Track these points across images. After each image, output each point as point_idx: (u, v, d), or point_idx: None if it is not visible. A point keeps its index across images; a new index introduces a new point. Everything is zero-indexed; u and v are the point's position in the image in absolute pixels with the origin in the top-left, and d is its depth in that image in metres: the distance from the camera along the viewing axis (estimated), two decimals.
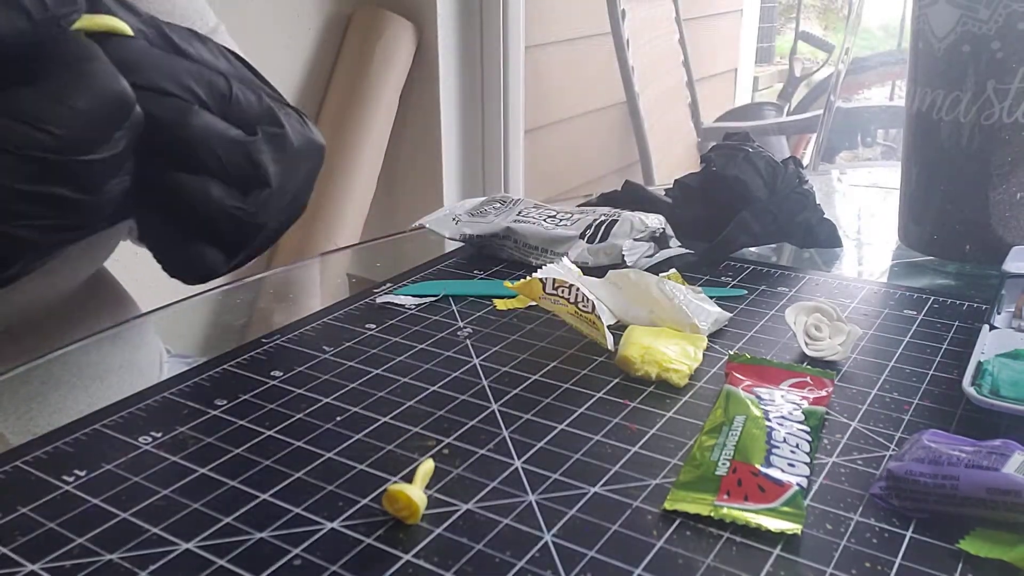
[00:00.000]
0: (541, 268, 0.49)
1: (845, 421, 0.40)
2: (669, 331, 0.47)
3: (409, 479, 0.36)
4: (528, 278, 0.47)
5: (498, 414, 0.41)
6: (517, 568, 0.31)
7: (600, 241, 0.57)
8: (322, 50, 1.68)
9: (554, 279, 0.47)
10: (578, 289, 0.46)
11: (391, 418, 0.41)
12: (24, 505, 0.35)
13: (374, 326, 0.51)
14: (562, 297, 0.47)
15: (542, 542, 0.32)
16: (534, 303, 0.53)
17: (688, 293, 0.50)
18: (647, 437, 0.39)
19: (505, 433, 0.40)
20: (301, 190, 0.46)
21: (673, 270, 0.55)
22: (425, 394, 0.43)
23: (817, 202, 0.63)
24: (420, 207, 1.70)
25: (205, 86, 0.41)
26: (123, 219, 0.42)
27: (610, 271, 0.51)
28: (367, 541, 0.33)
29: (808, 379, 0.43)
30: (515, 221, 0.61)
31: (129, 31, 0.39)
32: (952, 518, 0.33)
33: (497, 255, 0.62)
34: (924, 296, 0.54)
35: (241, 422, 0.41)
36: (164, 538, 0.33)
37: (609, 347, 0.46)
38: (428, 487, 0.36)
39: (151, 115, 0.39)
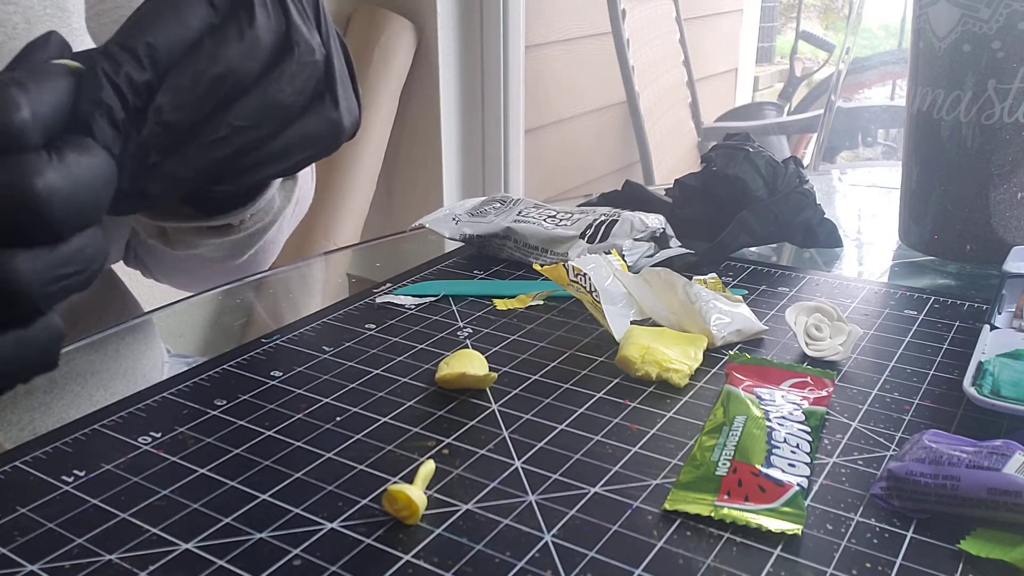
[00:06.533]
0: (580, 258, 0.50)
1: (845, 421, 0.40)
2: (669, 331, 0.47)
3: (409, 479, 0.36)
4: (557, 263, 0.49)
5: (498, 414, 0.41)
6: (517, 568, 0.31)
7: (600, 241, 0.57)
8: None
9: (574, 266, 0.48)
10: (590, 279, 0.47)
11: (391, 418, 0.41)
12: (23, 505, 0.35)
13: (374, 326, 0.51)
14: (581, 286, 0.48)
15: (542, 542, 0.32)
16: (534, 303, 0.53)
17: (717, 299, 0.49)
18: (647, 437, 0.39)
19: (505, 433, 0.40)
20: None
21: (713, 275, 0.55)
22: (425, 394, 0.43)
23: (817, 202, 0.63)
24: (420, 207, 1.70)
25: None
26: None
27: (645, 268, 0.51)
28: (367, 541, 0.33)
29: (808, 379, 0.43)
30: (515, 221, 0.61)
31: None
32: (953, 518, 0.33)
33: (497, 255, 0.62)
34: (925, 296, 0.54)
35: (241, 422, 0.41)
36: (163, 538, 0.33)
37: (617, 339, 0.46)
38: (428, 487, 0.36)
39: None
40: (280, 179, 0.52)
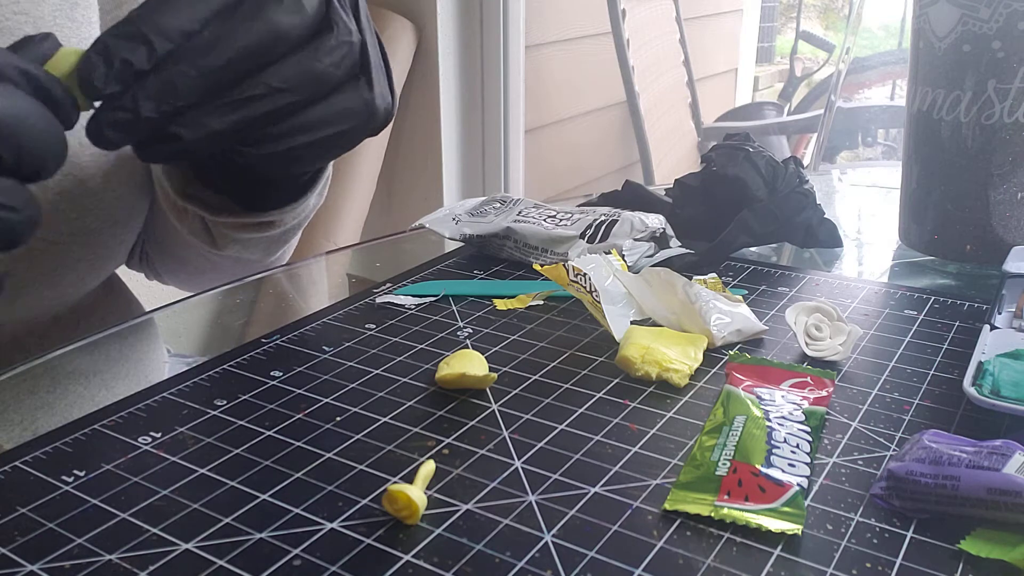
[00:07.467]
0: (580, 258, 0.50)
1: (845, 421, 0.40)
2: (669, 331, 0.47)
3: (409, 479, 0.36)
4: (557, 263, 0.49)
5: (498, 414, 0.41)
6: (517, 568, 0.31)
7: (600, 241, 0.57)
8: None
9: (574, 266, 0.48)
10: (590, 279, 0.47)
11: (391, 418, 0.41)
12: (23, 505, 0.35)
13: (374, 326, 0.51)
14: (581, 286, 0.48)
15: (542, 542, 0.32)
16: (534, 303, 0.53)
17: (717, 299, 0.49)
18: (647, 437, 0.39)
19: (505, 433, 0.40)
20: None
21: (713, 275, 0.55)
22: (425, 394, 0.43)
23: (817, 202, 0.63)
24: (420, 207, 1.70)
25: None
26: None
27: (644, 268, 0.51)
28: (367, 541, 0.33)
29: (808, 379, 0.43)
30: (515, 221, 0.61)
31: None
32: (953, 518, 0.33)
33: (497, 255, 0.62)
34: (925, 296, 0.54)
35: (241, 422, 0.41)
36: (163, 538, 0.33)
37: (617, 339, 0.46)
38: (428, 487, 0.36)
39: None
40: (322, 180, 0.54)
